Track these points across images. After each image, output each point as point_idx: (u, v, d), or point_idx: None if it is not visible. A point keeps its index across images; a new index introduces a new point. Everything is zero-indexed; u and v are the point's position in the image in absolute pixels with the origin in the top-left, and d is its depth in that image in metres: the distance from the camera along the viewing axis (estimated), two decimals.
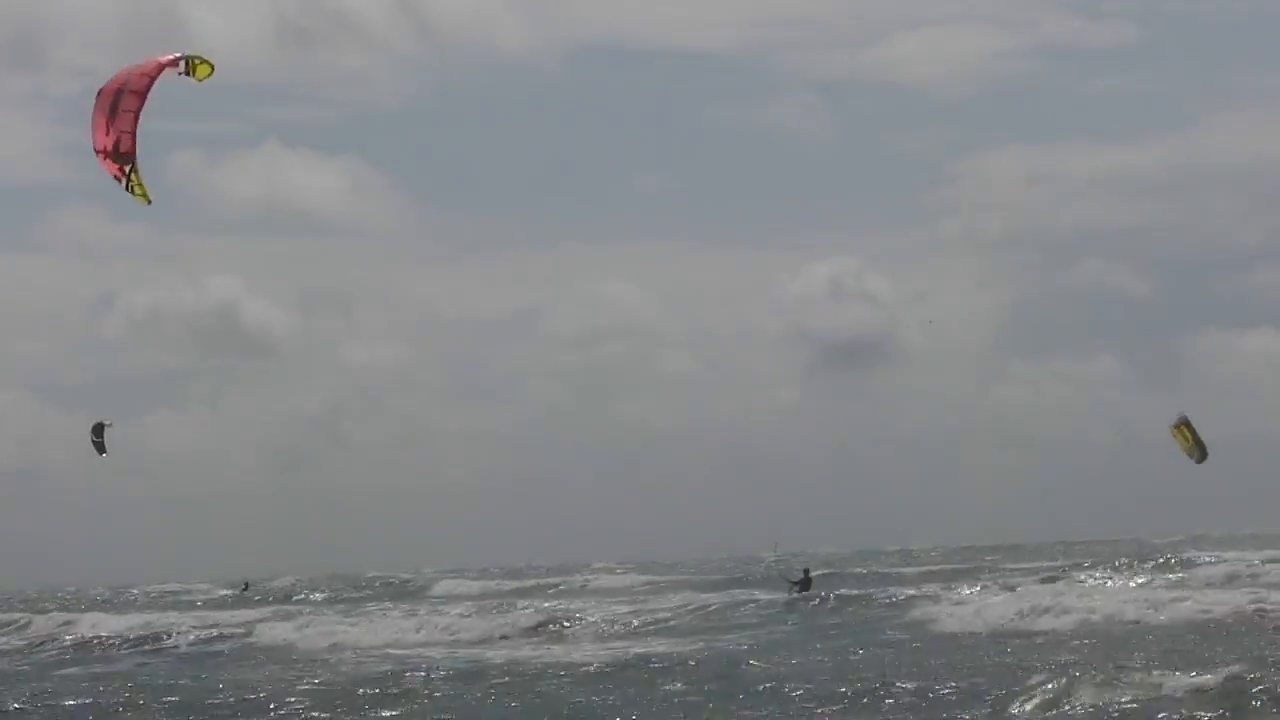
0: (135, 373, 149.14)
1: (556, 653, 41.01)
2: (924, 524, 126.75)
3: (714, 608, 53.80)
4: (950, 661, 34.32)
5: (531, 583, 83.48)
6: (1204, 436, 36.84)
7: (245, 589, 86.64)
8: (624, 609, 53.40)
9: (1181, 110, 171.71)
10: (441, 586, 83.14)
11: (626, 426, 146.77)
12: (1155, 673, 29.39)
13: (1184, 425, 34.25)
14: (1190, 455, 34.10)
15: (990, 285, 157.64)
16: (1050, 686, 28.50)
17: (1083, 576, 61.44)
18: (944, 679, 30.91)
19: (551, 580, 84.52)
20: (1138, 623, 41.73)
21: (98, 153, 23.39)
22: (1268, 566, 61.60)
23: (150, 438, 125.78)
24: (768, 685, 31.64)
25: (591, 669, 35.42)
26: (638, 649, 41.16)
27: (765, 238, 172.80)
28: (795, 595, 55.14)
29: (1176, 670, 29.32)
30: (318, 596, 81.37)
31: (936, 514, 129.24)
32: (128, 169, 23.33)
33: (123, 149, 23.34)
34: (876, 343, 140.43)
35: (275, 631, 50.37)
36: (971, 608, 47.76)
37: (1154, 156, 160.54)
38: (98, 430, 39.03)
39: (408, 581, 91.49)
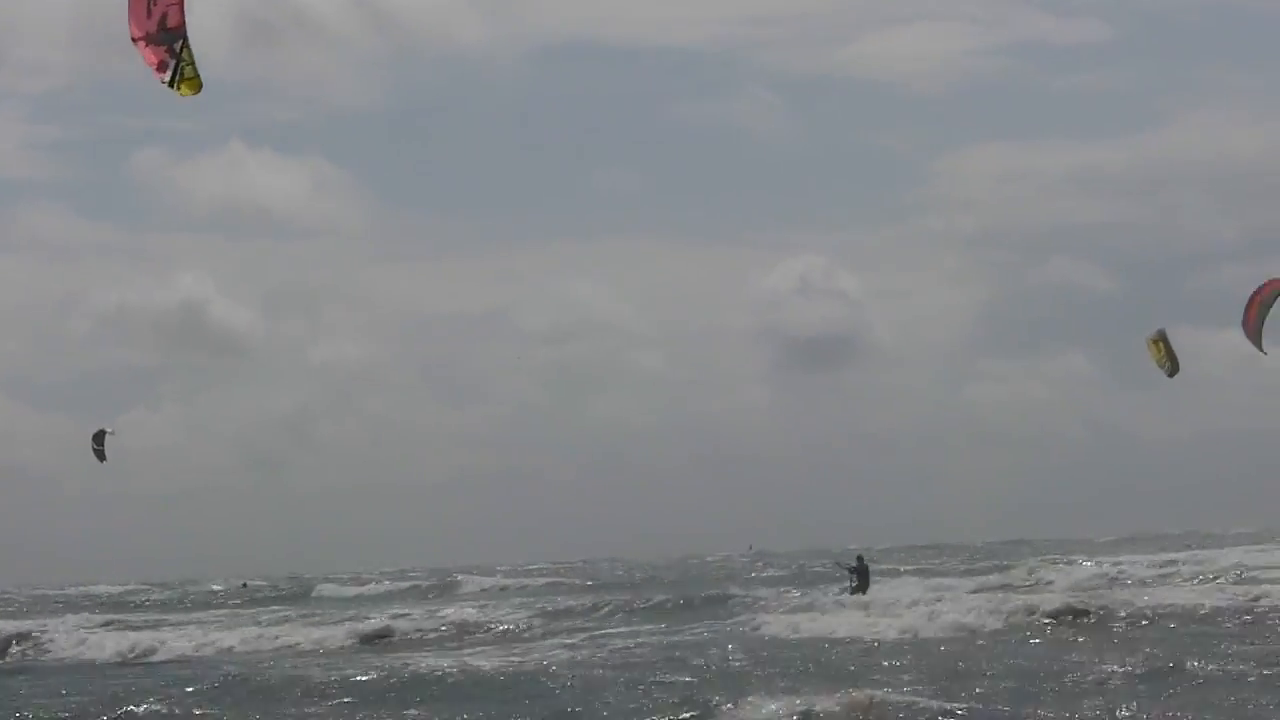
0: (105, 371, 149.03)
1: (356, 664, 38.83)
2: (895, 522, 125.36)
3: (576, 611, 52.87)
4: (705, 676, 32.36)
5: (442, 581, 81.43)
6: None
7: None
8: (471, 614, 51.88)
9: (1153, 108, 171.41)
10: (324, 589, 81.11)
11: (599, 424, 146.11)
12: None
13: (1160, 340, 32.60)
14: (1161, 367, 32.76)
15: (963, 283, 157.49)
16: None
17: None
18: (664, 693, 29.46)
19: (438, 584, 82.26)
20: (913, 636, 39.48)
21: (136, 40, 20.97)
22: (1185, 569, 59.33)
23: (122, 435, 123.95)
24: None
25: (377, 683, 33.28)
26: (433, 662, 38.93)
27: (738, 235, 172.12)
28: (853, 585, 50.69)
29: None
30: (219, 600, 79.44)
31: (908, 512, 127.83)
32: (178, 47, 20.72)
33: (170, 24, 20.80)
34: (849, 340, 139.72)
35: (65, 640, 48.40)
36: (801, 615, 46.40)
37: (1126, 154, 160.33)
38: (99, 438, 38.37)
39: (294, 579, 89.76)
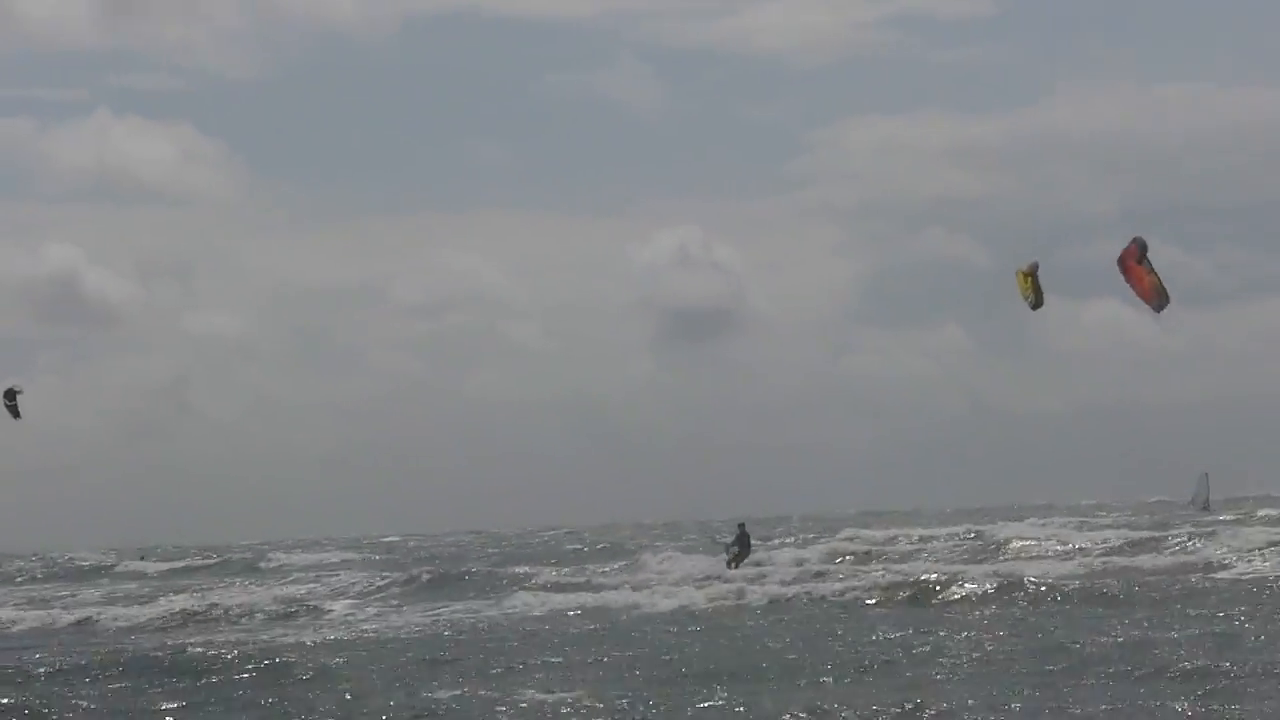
0: None
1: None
2: (776, 494, 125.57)
3: (350, 591, 53.84)
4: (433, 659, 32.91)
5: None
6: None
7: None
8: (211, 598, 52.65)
9: (1032, 82, 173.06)
10: (129, 566, 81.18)
11: (476, 398, 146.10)
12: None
13: (1032, 273, 33.16)
14: (1025, 299, 33.43)
15: (842, 255, 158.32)
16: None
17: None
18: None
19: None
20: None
21: None
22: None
23: None
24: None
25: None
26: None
27: (616, 208, 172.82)
28: (731, 554, 51.93)
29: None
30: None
31: (787, 482, 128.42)
32: None
33: None
34: (729, 312, 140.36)
35: None
36: (567, 595, 47.48)
37: (1005, 128, 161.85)
38: (9, 395, 39.39)
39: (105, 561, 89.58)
